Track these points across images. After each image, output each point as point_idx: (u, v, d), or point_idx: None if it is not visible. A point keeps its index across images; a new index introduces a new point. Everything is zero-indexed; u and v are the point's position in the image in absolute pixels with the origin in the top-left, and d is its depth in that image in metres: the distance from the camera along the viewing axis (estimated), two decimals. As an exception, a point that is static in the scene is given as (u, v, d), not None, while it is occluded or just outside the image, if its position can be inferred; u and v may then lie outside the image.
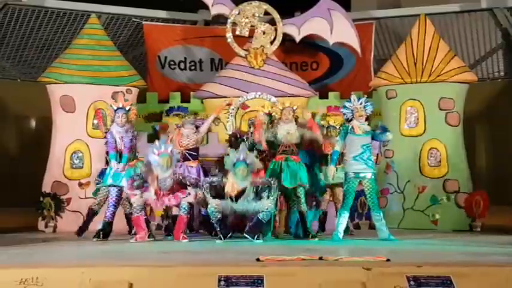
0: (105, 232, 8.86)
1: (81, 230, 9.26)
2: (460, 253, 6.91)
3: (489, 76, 13.45)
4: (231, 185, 8.23)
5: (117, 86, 11.11)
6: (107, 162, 9.31)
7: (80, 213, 10.70)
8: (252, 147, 8.86)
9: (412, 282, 5.12)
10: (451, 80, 10.95)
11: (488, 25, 12.92)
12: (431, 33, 11.24)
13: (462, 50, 13.02)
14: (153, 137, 11.34)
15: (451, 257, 6.48)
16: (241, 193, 8.22)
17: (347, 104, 8.66)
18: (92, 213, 9.33)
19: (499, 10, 12.60)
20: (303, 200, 8.57)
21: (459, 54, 12.25)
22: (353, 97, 8.77)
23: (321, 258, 5.89)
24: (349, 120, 8.59)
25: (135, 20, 12.93)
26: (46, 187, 10.84)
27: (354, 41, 11.85)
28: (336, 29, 11.73)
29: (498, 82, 13.36)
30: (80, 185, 10.82)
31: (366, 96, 9.00)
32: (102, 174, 9.38)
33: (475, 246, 7.67)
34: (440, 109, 10.95)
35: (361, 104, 8.59)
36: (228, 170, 8.38)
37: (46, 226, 10.64)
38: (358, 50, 11.95)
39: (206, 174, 9.30)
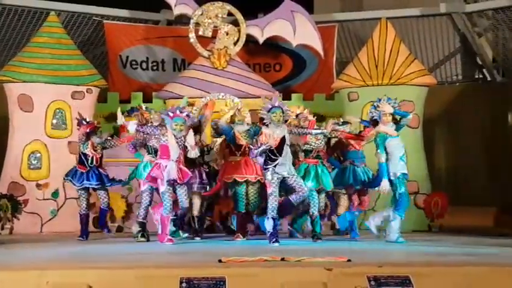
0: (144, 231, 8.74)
1: (86, 235, 9.11)
2: (420, 253, 7.00)
3: (447, 80, 13.68)
4: (270, 136, 7.93)
5: (77, 85, 10.98)
6: (81, 163, 9.08)
7: (38, 214, 10.54)
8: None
9: (372, 282, 5.16)
10: (411, 83, 11.09)
11: (447, 30, 13.14)
12: (392, 36, 11.37)
13: (422, 54, 13.21)
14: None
15: (410, 257, 6.55)
16: (282, 143, 7.94)
17: (376, 104, 8.36)
18: (87, 218, 9.17)
19: (457, 15, 12.82)
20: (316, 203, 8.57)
21: (419, 58, 12.42)
22: (384, 98, 8.41)
23: (283, 259, 5.90)
24: (375, 121, 8.32)
25: (95, 18, 12.77)
26: (2, 188, 10.62)
27: (316, 43, 11.92)
28: (298, 31, 11.78)
29: (456, 86, 13.59)
30: (38, 186, 10.64)
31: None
32: (73, 174, 9.12)
33: (434, 246, 7.78)
34: (401, 111, 11.07)
35: (393, 107, 8.25)
36: None
37: (2, 228, 10.42)
38: (321, 52, 12.02)
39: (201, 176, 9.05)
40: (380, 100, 8.38)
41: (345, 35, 13.27)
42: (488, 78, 13.36)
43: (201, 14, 11.60)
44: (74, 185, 9.10)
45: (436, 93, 11.90)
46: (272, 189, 7.99)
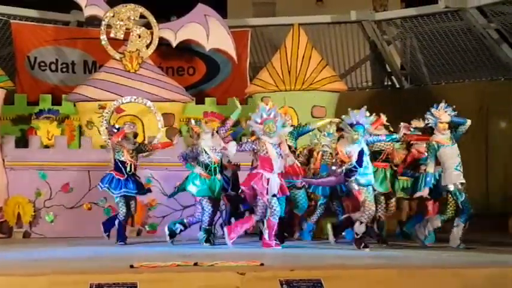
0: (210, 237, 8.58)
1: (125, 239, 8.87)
2: (331, 256, 7.14)
3: (358, 86, 14.03)
4: (347, 153, 7.77)
5: (-18, 86, 10.57)
6: (117, 170, 8.77)
7: None
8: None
9: (284, 286, 5.22)
10: (323, 88, 11.32)
11: (357, 37, 13.48)
12: (304, 42, 11.57)
13: (333, 60, 13.50)
14: (21, 141, 10.88)
15: (322, 261, 6.67)
16: (361, 154, 7.73)
17: (433, 111, 8.14)
18: (126, 223, 8.96)
19: (367, 23, 13.18)
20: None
21: (330, 64, 12.68)
22: (442, 105, 8.17)
23: (196, 264, 5.87)
24: (431, 128, 8.18)
25: (1, 18, 12.32)
26: None
27: (230, 48, 11.95)
28: (212, 35, 11.78)
29: (366, 91, 13.97)
30: None
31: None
32: (109, 180, 8.80)
33: (346, 249, 7.94)
34: (313, 116, 11.26)
35: (448, 114, 8.07)
36: None
37: None
38: (234, 56, 12.07)
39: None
40: (437, 107, 8.17)
41: (258, 40, 13.39)
42: (397, 85, 13.80)
43: (113, 16, 11.41)
44: (112, 193, 8.80)
45: (347, 99, 12.17)
46: (364, 196, 7.80)
